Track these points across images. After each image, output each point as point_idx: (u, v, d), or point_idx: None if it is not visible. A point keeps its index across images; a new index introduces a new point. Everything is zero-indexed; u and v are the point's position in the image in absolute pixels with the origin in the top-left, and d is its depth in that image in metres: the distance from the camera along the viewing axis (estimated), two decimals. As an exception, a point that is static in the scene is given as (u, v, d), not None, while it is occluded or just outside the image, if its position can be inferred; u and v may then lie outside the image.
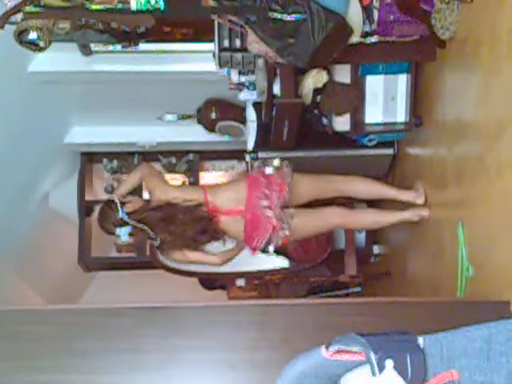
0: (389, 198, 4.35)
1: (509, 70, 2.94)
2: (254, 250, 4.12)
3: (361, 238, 5.77)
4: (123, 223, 3.95)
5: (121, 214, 3.94)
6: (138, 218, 3.98)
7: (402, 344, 1.87)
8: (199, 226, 3.98)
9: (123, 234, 3.92)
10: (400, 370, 1.80)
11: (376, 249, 5.80)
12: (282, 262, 5.23)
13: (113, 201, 4.01)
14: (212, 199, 4.07)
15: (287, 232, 4.01)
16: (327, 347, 1.90)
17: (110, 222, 4.03)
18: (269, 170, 4.13)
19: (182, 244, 4.04)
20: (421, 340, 1.92)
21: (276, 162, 4.17)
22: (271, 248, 4.04)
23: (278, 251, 4.52)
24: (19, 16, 3.36)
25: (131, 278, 6.82)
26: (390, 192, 4.34)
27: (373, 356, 1.79)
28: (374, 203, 5.05)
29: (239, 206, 4.03)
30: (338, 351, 1.88)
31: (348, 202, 4.67)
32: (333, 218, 4.23)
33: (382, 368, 1.79)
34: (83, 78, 4.84)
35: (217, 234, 4.06)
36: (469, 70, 3.49)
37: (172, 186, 4.26)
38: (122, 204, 3.99)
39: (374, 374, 1.79)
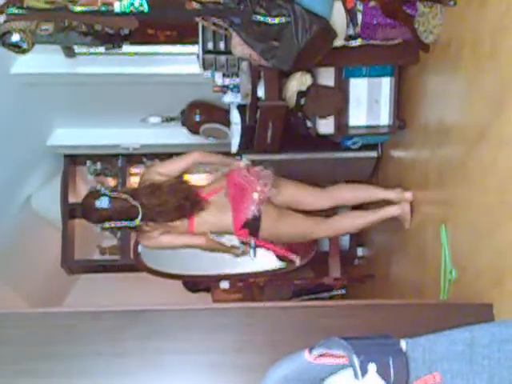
0: (376, 199, 4.34)
1: (490, 73, 2.96)
2: (243, 231, 4.06)
3: (345, 240, 5.79)
4: (101, 194, 3.90)
5: (102, 191, 3.92)
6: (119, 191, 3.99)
7: (385, 348, 1.88)
8: (182, 192, 3.96)
9: (103, 203, 3.86)
10: (382, 373, 1.81)
11: (360, 251, 5.82)
12: (278, 263, 5.24)
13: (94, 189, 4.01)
14: (196, 186, 4.11)
15: (272, 189, 4.00)
16: (310, 351, 1.90)
17: (90, 198, 3.95)
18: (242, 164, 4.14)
19: (164, 215, 3.95)
20: (403, 343, 1.92)
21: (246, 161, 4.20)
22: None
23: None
24: (2, 18, 3.34)
25: (115, 281, 6.80)
26: (375, 192, 4.33)
27: (356, 360, 1.79)
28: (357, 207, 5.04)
29: (220, 187, 4.04)
30: (322, 355, 1.88)
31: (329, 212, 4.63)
32: (314, 226, 4.21)
33: (364, 372, 1.79)
34: (67, 80, 4.82)
35: (200, 202, 4.00)
36: (452, 73, 3.51)
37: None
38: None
39: (356, 377, 1.79)
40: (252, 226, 4.02)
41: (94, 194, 3.96)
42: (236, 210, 3.99)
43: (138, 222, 3.87)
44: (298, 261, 4.78)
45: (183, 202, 3.93)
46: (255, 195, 3.97)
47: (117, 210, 3.87)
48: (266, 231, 4.05)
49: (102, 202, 3.86)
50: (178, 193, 3.94)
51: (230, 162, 4.23)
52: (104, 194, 3.88)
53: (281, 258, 5.14)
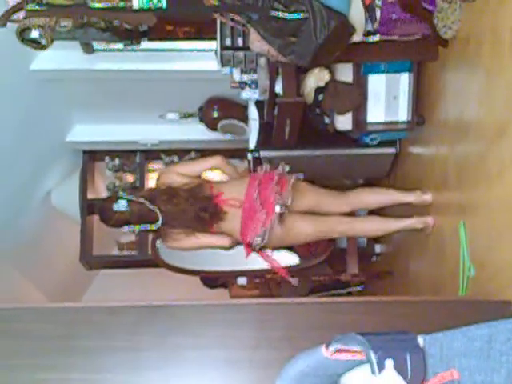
0: (397, 202, 4.32)
1: (510, 68, 2.93)
2: (247, 246, 4.06)
3: (362, 237, 5.77)
4: (119, 198, 3.90)
5: (119, 194, 3.95)
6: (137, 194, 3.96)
7: (402, 343, 1.87)
8: (201, 203, 3.94)
9: (120, 206, 3.86)
10: (400, 369, 1.80)
11: (378, 248, 5.81)
12: (292, 259, 5.23)
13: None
14: (216, 187, 4.05)
15: (282, 208, 3.95)
16: (327, 346, 1.90)
17: (108, 202, 3.96)
18: (278, 171, 4.07)
19: (183, 223, 3.95)
20: (421, 340, 1.91)
21: (287, 168, 4.13)
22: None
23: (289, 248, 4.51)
24: (21, 14, 3.36)
25: (133, 277, 6.82)
26: (396, 196, 4.30)
27: (373, 355, 1.79)
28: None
29: (240, 197, 4.00)
30: (338, 350, 1.88)
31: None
32: (336, 225, 4.17)
33: (381, 367, 1.79)
34: (85, 76, 4.84)
35: (219, 213, 3.99)
36: (471, 69, 3.49)
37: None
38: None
39: (373, 373, 1.79)
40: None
41: (112, 198, 3.99)
42: (244, 226, 3.97)
43: (159, 225, 3.88)
44: (295, 282, 4.77)
45: (202, 215, 3.92)
46: (262, 217, 3.93)
47: (135, 214, 3.87)
48: (273, 245, 4.10)
49: (120, 205, 3.86)
50: (195, 202, 3.92)
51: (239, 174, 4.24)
52: (121, 197, 3.89)
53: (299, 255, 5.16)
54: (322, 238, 4.41)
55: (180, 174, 4.03)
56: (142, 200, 3.87)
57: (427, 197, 4.11)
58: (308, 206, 4.12)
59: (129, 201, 3.87)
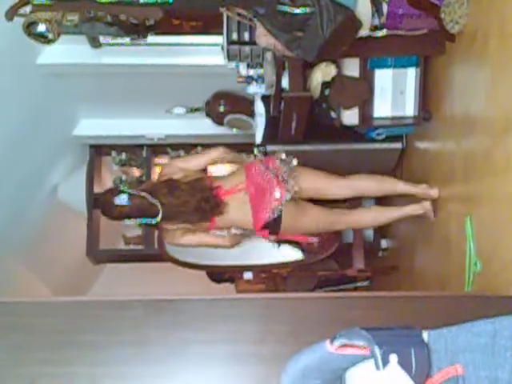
0: (401, 192, 4.31)
1: (518, 64, 2.93)
2: (264, 231, 4.05)
3: (369, 232, 5.76)
4: (120, 191, 3.90)
5: (120, 187, 3.98)
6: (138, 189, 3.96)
7: (407, 339, 1.87)
8: (201, 193, 3.95)
9: (122, 200, 3.86)
10: (404, 364, 1.80)
11: (384, 243, 5.80)
12: (296, 254, 5.22)
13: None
14: (216, 180, 4.07)
15: (293, 183, 3.97)
16: (332, 341, 1.90)
17: (109, 195, 3.96)
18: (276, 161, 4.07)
19: (184, 216, 3.96)
20: (425, 335, 1.91)
21: (283, 156, 4.13)
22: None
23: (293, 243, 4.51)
24: (28, 8, 3.36)
25: (139, 271, 6.84)
26: (400, 186, 4.30)
27: (377, 350, 1.79)
28: (382, 199, 5.01)
29: (241, 185, 4.00)
30: (343, 345, 1.88)
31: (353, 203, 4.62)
32: (340, 216, 4.21)
33: (386, 362, 1.79)
34: (92, 71, 4.84)
35: (220, 204, 3.99)
36: (478, 64, 3.48)
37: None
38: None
39: (378, 368, 1.79)
40: (273, 226, 4.02)
41: (113, 191, 3.99)
42: (256, 211, 3.98)
43: (158, 220, 3.88)
44: (315, 242, 4.71)
45: (203, 205, 3.93)
46: (277, 194, 3.95)
47: (136, 208, 3.87)
48: (286, 228, 4.06)
49: (121, 199, 3.86)
50: (196, 193, 3.92)
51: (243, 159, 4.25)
52: (123, 191, 3.90)
53: (302, 248, 5.14)
54: (327, 230, 4.41)
55: (182, 169, 4.04)
56: (143, 194, 3.87)
57: (434, 192, 4.10)
58: (309, 188, 4.10)
59: (130, 195, 3.87)
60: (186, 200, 3.89)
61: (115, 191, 3.95)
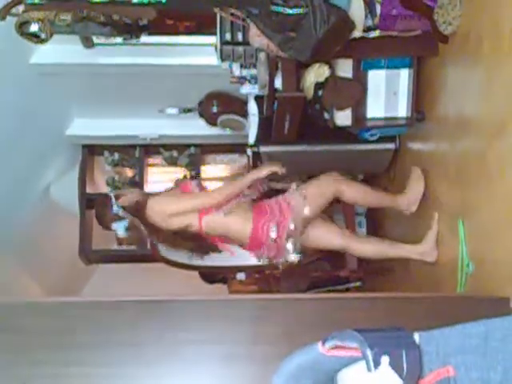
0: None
1: (510, 64, 2.93)
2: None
3: (361, 232, 5.77)
4: (119, 218, 3.78)
5: (115, 209, 3.76)
6: (133, 213, 3.80)
7: (398, 340, 1.87)
8: (194, 242, 3.95)
9: (119, 228, 3.78)
10: (395, 366, 1.80)
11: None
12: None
13: (107, 195, 3.93)
14: (206, 228, 3.90)
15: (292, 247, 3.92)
16: (324, 343, 1.89)
17: (107, 217, 3.83)
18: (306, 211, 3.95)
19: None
20: (417, 336, 1.91)
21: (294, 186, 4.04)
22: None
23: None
24: (21, 7, 3.35)
25: (132, 271, 6.82)
26: (400, 249, 4.14)
27: (369, 352, 1.79)
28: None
29: (245, 240, 3.97)
30: (335, 347, 1.88)
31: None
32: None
33: (377, 364, 1.79)
34: (85, 71, 4.83)
35: (215, 249, 4.04)
36: (471, 65, 3.48)
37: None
38: (117, 198, 3.82)
39: (369, 370, 1.79)
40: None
41: (114, 216, 3.81)
42: (252, 238, 3.93)
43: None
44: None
45: (199, 249, 4.00)
46: (273, 235, 3.89)
47: (132, 238, 3.90)
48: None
49: (119, 227, 3.78)
50: (189, 240, 3.94)
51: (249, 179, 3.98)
52: (123, 218, 3.77)
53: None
54: (319, 248, 4.36)
55: (172, 216, 3.82)
56: (142, 228, 3.82)
57: (432, 257, 3.95)
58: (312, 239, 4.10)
59: (129, 226, 3.80)
60: (180, 244, 3.95)
61: (116, 216, 3.80)
